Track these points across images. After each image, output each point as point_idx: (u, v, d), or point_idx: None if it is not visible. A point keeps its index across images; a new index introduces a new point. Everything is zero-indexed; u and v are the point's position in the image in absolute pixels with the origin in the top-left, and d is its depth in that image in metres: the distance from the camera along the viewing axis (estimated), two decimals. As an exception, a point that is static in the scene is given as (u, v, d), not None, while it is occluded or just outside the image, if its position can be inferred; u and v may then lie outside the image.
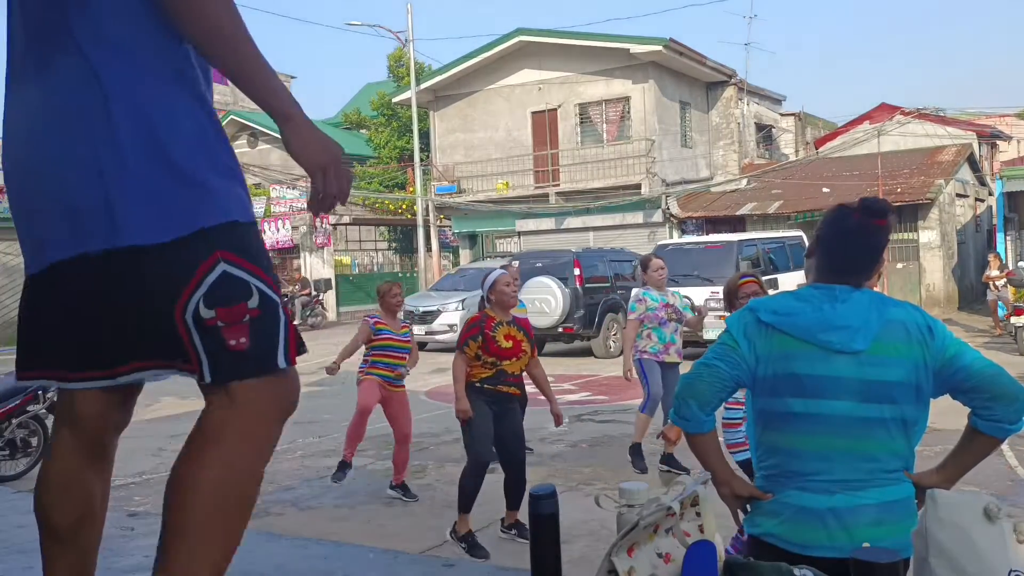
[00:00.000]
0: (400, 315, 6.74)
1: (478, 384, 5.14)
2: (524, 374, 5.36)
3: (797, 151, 27.70)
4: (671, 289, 7.21)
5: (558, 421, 5.48)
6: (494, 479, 5.35)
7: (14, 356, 1.84)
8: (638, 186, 23.04)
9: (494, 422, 5.10)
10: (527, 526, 5.00)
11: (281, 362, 1.65)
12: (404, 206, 29.92)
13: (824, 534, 2.06)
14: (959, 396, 2.10)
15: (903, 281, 20.55)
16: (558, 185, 24.28)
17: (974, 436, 2.11)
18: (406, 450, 6.34)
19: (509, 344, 5.10)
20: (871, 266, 2.19)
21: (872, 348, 2.05)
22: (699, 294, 13.49)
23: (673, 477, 6.27)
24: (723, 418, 4.32)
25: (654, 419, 6.94)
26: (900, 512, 2.07)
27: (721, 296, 15.17)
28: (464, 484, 5.11)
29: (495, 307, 5.22)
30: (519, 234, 25.27)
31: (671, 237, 21.59)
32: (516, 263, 16.27)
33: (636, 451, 6.80)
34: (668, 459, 6.58)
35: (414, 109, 26.08)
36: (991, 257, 17.57)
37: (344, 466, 6.47)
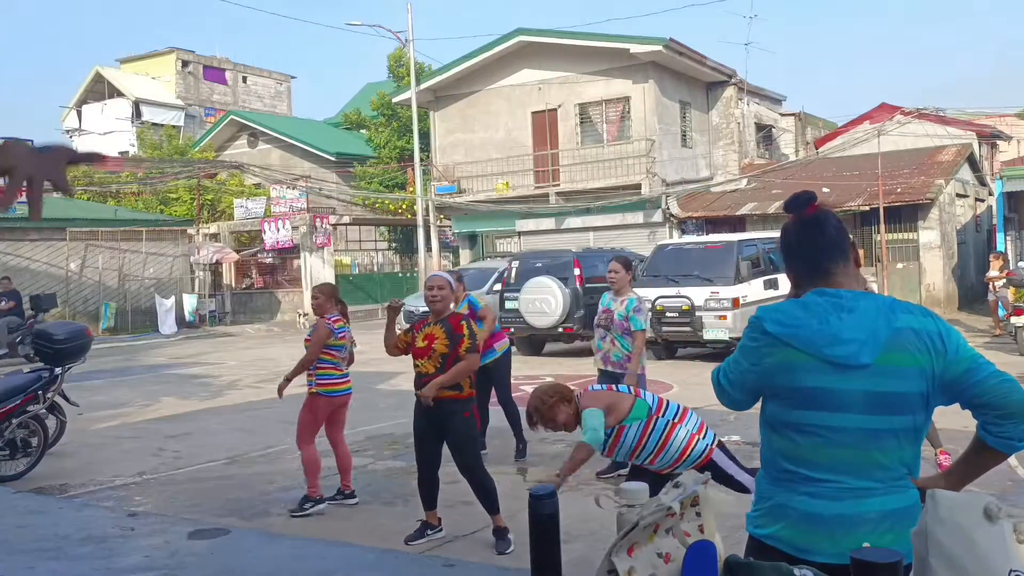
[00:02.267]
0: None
1: (414, 393, 5.26)
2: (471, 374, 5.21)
3: (797, 151, 27.69)
4: (640, 291, 6.95)
5: (422, 395, 5.19)
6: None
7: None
8: (638, 186, 23.03)
9: (442, 430, 5.14)
10: (507, 535, 5.03)
11: None
12: (404, 206, 29.92)
13: (828, 541, 2.05)
14: (968, 409, 2.06)
15: (903, 281, 20.55)
16: (558, 185, 24.27)
17: (982, 449, 2.07)
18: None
19: (423, 344, 5.12)
20: (837, 254, 2.16)
21: (880, 359, 2.02)
22: (699, 294, 13.50)
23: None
24: None
25: None
26: (906, 519, 2.05)
27: (721, 296, 15.05)
28: (418, 485, 5.31)
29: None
30: (519, 234, 25.27)
31: (671, 237, 21.58)
32: (509, 270, 16.25)
33: (613, 465, 6.65)
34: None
35: (414, 109, 26.08)
36: (992, 257, 17.55)
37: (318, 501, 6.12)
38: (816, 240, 2.17)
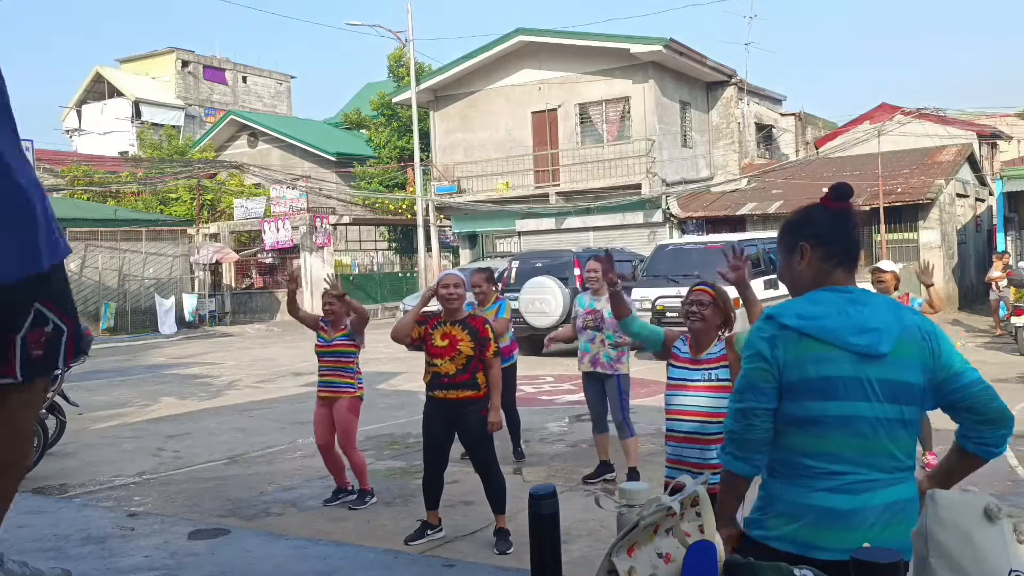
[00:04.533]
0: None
1: (425, 393, 5.21)
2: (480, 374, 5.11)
3: (797, 151, 27.69)
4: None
5: (491, 428, 5.11)
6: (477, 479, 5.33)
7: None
8: (638, 186, 23.03)
9: (457, 429, 5.13)
10: (508, 536, 5.02)
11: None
12: (404, 206, 29.92)
13: (845, 533, 2.05)
14: (949, 412, 2.15)
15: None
16: (558, 185, 24.27)
17: (962, 455, 2.15)
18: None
19: (444, 343, 5.02)
20: (860, 249, 2.27)
21: (895, 350, 2.09)
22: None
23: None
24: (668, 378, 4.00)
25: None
26: (912, 510, 2.10)
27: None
28: (422, 485, 5.28)
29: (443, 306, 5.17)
30: (519, 234, 25.26)
31: (671, 237, 21.58)
32: (513, 265, 16.25)
33: (600, 469, 6.60)
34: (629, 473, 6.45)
35: (414, 109, 26.07)
36: (995, 257, 17.55)
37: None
38: (854, 230, 2.25)
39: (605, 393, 6.54)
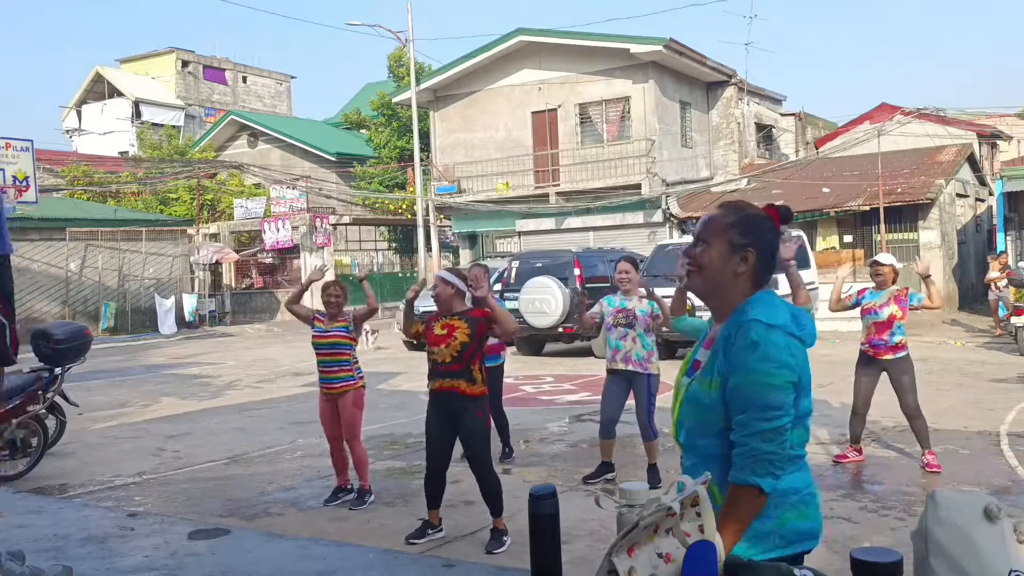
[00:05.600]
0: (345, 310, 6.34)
1: (427, 389, 5.28)
2: (475, 370, 5.15)
3: (797, 151, 27.68)
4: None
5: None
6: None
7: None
8: (638, 186, 23.03)
9: (455, 428, 5.16)
10: (502, 536, 5.02)
11: None
12: (404, 206, 29.92)
13: (812, 514, 2.07)
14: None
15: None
16: (558, 185, 24.27)
17: None
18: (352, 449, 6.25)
19: (443, 332, 5.18)
20: None
21: None
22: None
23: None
24: None
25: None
26: None
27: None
28: (424, 483, 5.30)
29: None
30: (519, 234, 25.26)
31: (671, 237, 21.59)
32: (516, 262, 16.25)
33: (600, 469, 6.55)
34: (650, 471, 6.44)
35: (414, 109, 26.07)
36: (991, 259, 17.56)
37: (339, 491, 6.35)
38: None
39: (626, 395, 6.46)
